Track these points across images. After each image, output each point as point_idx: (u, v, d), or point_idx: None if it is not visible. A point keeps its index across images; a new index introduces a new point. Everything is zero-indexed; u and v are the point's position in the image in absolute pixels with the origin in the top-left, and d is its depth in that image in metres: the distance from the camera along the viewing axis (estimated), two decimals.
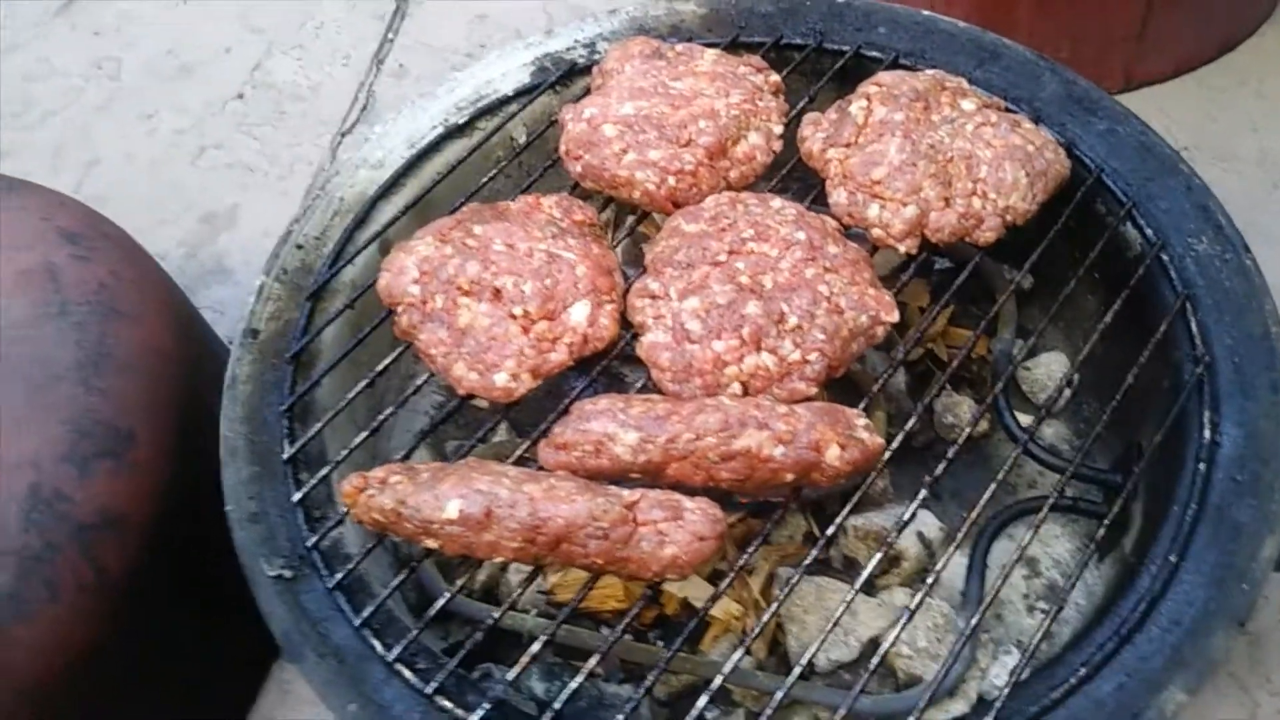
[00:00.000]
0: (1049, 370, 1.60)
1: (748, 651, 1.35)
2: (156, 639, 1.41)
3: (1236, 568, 1.14)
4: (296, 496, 1.27)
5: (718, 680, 1.12)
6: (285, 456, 1.30)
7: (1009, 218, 1.34)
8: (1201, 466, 1.21)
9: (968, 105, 1.42)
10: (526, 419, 1.55)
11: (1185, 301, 1.32)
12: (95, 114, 2.58)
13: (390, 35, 2.66)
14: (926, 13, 1.64)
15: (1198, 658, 1.09)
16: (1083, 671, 1.10)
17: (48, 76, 2.65)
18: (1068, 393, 1.61)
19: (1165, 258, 1.36)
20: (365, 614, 1.18)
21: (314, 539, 1.24)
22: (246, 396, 1.36)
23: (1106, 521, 1.19)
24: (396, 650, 1.16)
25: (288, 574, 1.22)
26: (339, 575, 1.21)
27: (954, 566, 1.39)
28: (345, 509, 1.17)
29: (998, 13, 2.10)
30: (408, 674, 1.15)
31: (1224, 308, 1.31)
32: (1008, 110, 1.45)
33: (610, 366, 1.31)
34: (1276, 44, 2.33)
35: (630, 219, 1.47)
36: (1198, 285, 1.34)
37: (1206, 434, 1.23)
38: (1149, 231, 1.39)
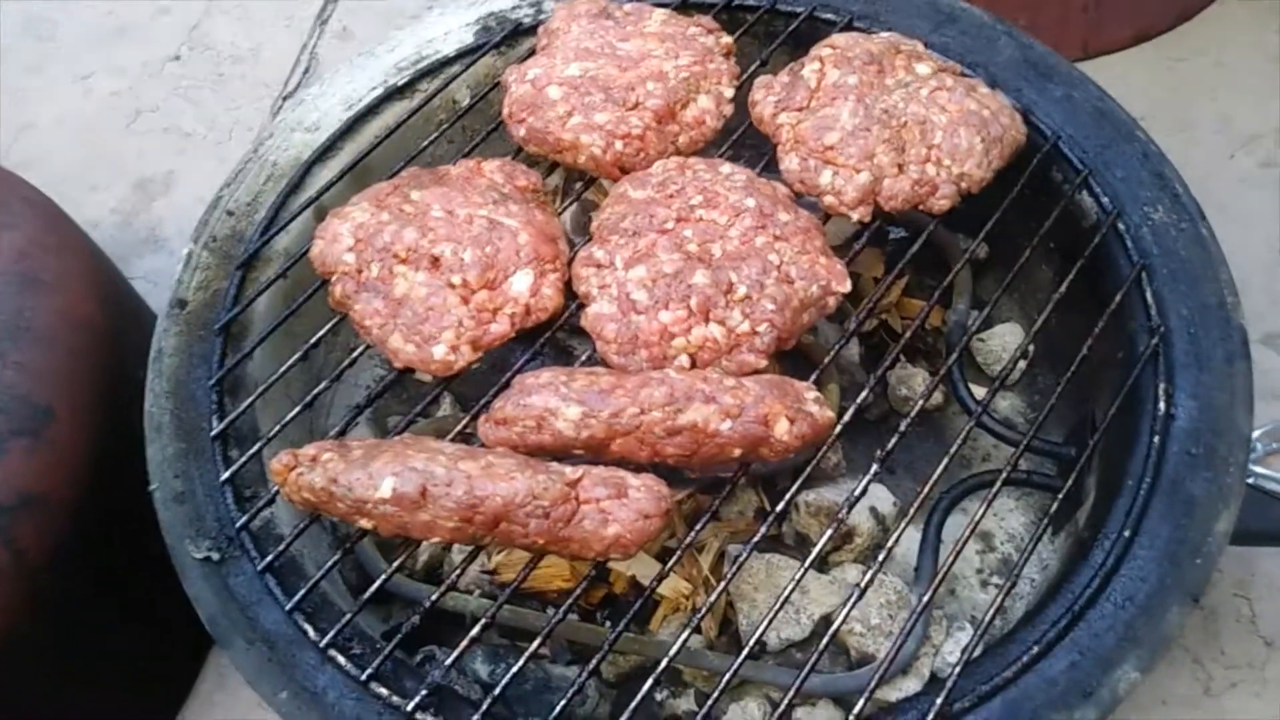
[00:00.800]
0: (1004, 341, 1.58)
1: (697, 630, 1.33)
2: (82, 623, 1.36)
3: (1190, 542, 1.12)
4: (225, 475, 1.21)
5: (665, 661, 1.08)
6: (213, 433, 1.25)
7: (964, 185, 1.30)
8: (1156, 439, 1.18)
9: (923, 69, 1.38)
10: (470, 392, 1.51)
11: (1141, 271, 1.30)
12: (28, 76, 2.48)
13: None
14: None
15: (1151, 635, 1.07)
16: (1035, 649, 1.08)
17: None
18: (1022, 364, 1.58)
19: (1121, 226, 1.33)
20: (297, 598, 1.14)
21: (243, 519, 1.19)
22: (173, 370, 1.30)
23: (1061, 496, 1.17)
24: (330, 635, 1.12)
25: (215, 556, 1.17)
26: (269, 557, 1.16)
27: (907, 542, 1.37)
28: (276, 488, 1.12)
29: None
30: (341, 660, 1.11)
31: (1180, 277, 1.29)
32: (964, 75, 1.41)
33: (556, 338, 1.27)
34: (1234, 13, 2.31)
35: (578, 185, 1.42)
36: (1153, 254, 1.31)
37: (1161, 406, 1.20)
38: (1105, 200, 1.36)
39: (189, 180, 2.25)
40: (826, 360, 1.24)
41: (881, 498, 1.42)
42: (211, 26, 2.52)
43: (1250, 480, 1.58)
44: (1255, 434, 1.66)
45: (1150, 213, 1.34)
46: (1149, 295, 1.28)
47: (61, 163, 2.29)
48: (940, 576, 1.12)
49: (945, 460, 1.16)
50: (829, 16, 1.54)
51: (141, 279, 2.08)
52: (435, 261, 1.23)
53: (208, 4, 2.57)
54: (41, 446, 1.27)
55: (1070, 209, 1.38)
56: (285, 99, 2.36)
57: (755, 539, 1.12)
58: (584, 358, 1.22)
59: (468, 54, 1.56)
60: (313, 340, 1.26)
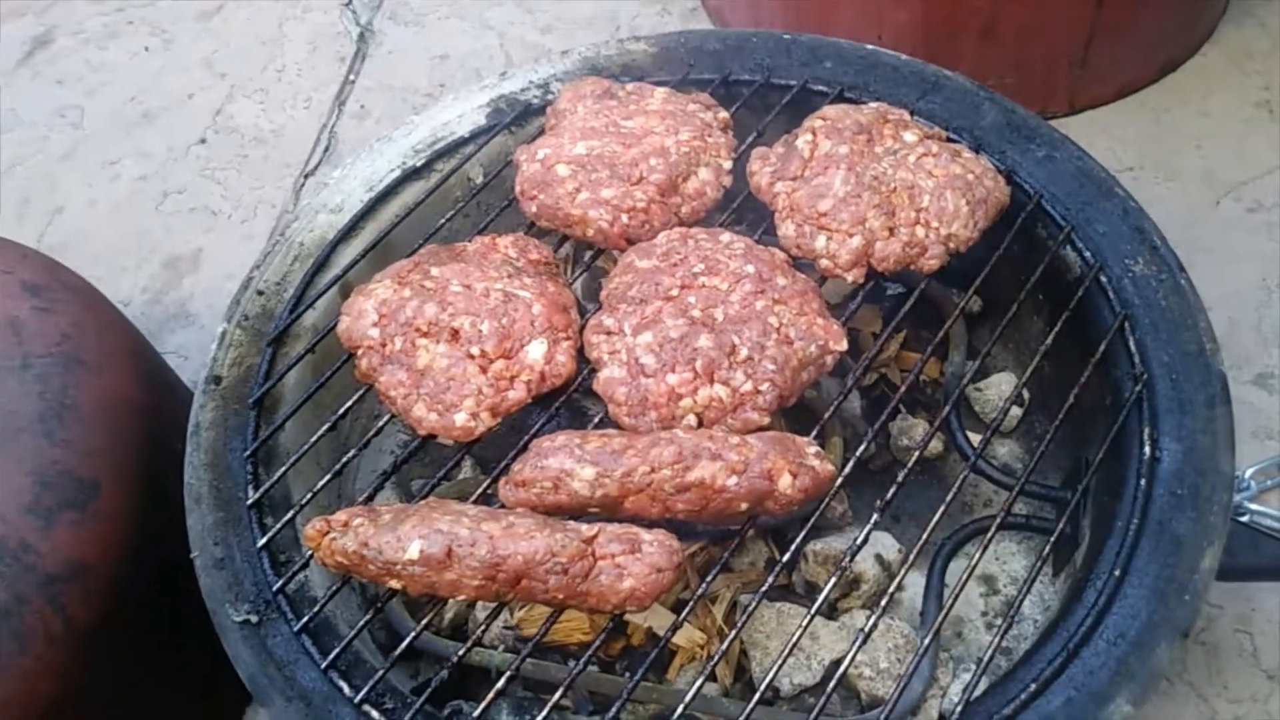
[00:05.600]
0: (999, 390, 1.64)
1: (712, 678, 1.38)
2: (127, 687, 1.42)
3: (1178, 580, 1.17)
4: (261, 541, 1.28)
5: (681, 708, 1.13)
6: (249, 502, 1.32)
7: (952, 245, 1.37)
8: (1142, 482, 1.24)
9: (909, 136, 1.46)
10: (490, 454, 1.57)
11: (1124, 321, 1.36)
12: (59, 163, 2.59)
13: (351, 77, 2.69)
14: (871, 46, 1.69)
15: (1143, 670, 1.12)
16: (1033, 687, 1.13)
17: (11, 127, 2.67)
18: (1017, 412, 1.64)
19: (1104, 279, 1.40)
20: (332, 656, 1.20)
21: (279, 583, 1.26)
22: (210, 443, 1.38)
23: (1053, 538, 1.22)
24: (364, 691, 1.18)
25: (254, 619, 1.24)
26: (305, 618, 1.23)
27: (914, 587, 1.42)
28: (310, 552, 1.19)
29: (943, 43, 2.16)
30: (375, 715, 1.17)
31: (1161, 326, 1.35)
32: (949, 140, 1.49)
33: (572, 400, 1.34)
34: (1217, 64, 2.39)
35: (588, 255, 1.50)
36: (1135, 305, 1.38)
37: (1147, 450, 1.26)
38: (1088, 254, 1.43)
39: (216, 257, 2.35)
40: (827, 415, 1.31)
41: (887, 545, 1.47)
42: (235, 110, 2.64)
43: (1245, 518, 1.64)
44: (1249, 472, 1.72)
45: (1131, 265, 1.41)
46: (1132, 344, 1.35)
47: (94, 244, 2.40)
48: (941, 617, 1.18)
49: (943, 506, 1.22)
50: (821, 88, 1.62)
51: (173, 353, 2.17)
52: (455, 334, 1.30)
53: (230, 89, 2.69)
54: (88, 519, 1.34)
55: (1055, 263, 1.45)
56: (307, 177, 2.47)
57: (764, 588, 1.18)
58: (597, 420, 1.29)
59: (481, 134, 1.66)
60: (340, 411, 1.34)
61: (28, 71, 2.79)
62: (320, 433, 1.33)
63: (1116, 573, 1.18)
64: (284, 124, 2.60)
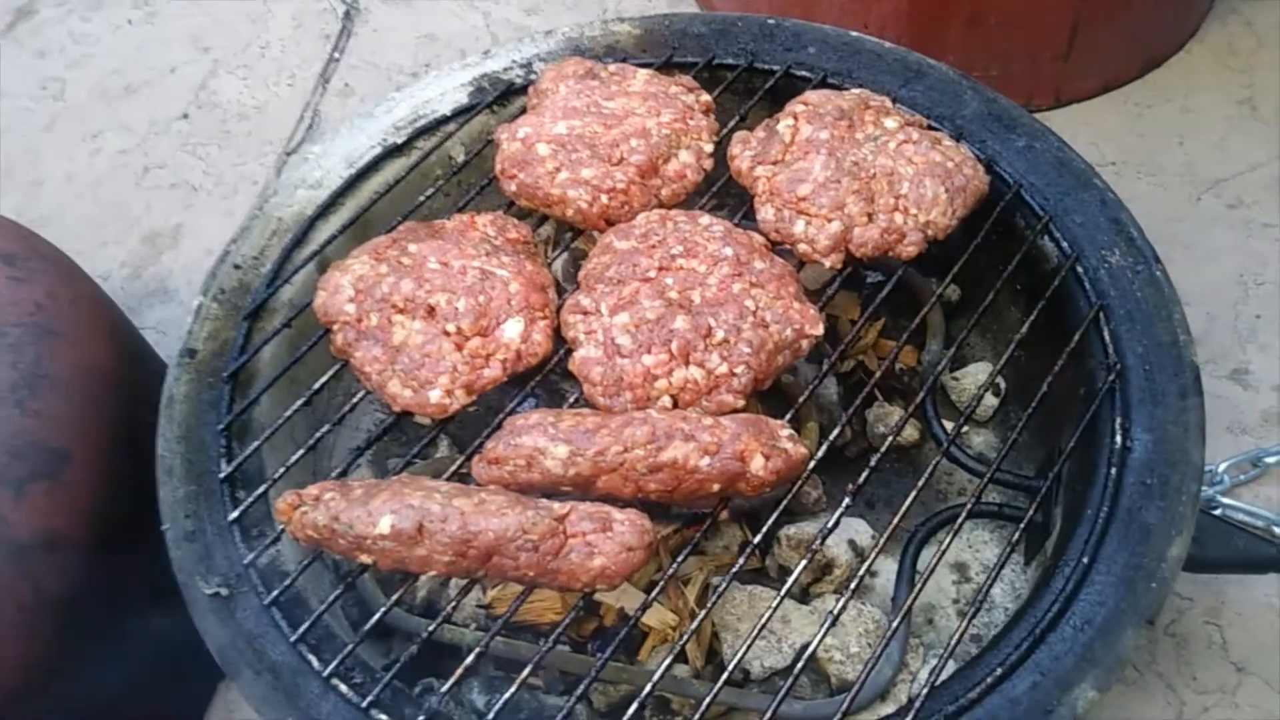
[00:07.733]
0: (977, 380, 1.65)
1: (683, 660, 1.38)
2: (98, 658, 1.41)
3: (1145, 568, 1.18)
4: (233, 515, 1.28)
5: (649, 687, 1.14)
6: (222, 475, 1.31)
7: (930, 232, 1.38)
8: (1113, 471, 1.25)
9: (890, 123, 1.46)
10: (466, 433, 1.57)
11: (1099, 311, 1.37)
12: (40, 135, 2.57)
13: (336, 55, 2.67)
14: (855, 33, 1.69)
15: (1108, 655, 1.13)
16: (999, 671, 1.13)
17: None
18: (994, 400, 1.65)
19: (1080, 269, 1.41)
20: (301, 630, 1.20)
21: (250, 556, 1.25)
22: (183, 416, 1.37)
23: (1022, 525, 1.23)
24: (333, 665, 1.18)
25: (224, 592, 1.24)
26: (275, 592, 1.23)
27: (887, 573, 1.43)
28: (282, 527, 1.19)
29: (928, 34, 2.16)
30: (343, 688, 1.17)
31: (1135, 317, 1.36)
32: (930, 128, 1.50)
33: (548, 380, 1.34)
34: (1200, 61, 2.40)
35: (568, 235, 1.50)
36: (1110, 296, 1.38)
37: (1118, 440, 1.27)
38: (1065, 244, 1.43)
39: (197, 234, 2.34)
40: (802, 398, 1.31)
41: (860, 531, 1.48)
42: (218, 85, 2.62)
43: (1218, 511, 1.65)
44: (1223, 466, 1.73)
45: (1107, 256, 1.42)
46: (1106, 334, 1.35)
47: (73, 218, 2.38)
48: (910, 600, 1.18)
49: (914, 492, 1.23)
50: (803, 74, 1.62)
51: (151, 329, 2.15)
52: (431, 311, 1.30)
53: (214, 64, 2.67)
54: (59, 489, 1.33)
55: (1033, 253, 1.46)
56: (289, 154, 2.45)
57: (734, 569, 1.19)
58: (572, 399, 1.29)
59: (462, 113, 1.65)
60: (316, 386, 1.33)
61: (10, 43, 2.77)
62: (295, 407, 1.33)
63: (1085, 560, 1.19)
64: (267, 100, 2.58)
